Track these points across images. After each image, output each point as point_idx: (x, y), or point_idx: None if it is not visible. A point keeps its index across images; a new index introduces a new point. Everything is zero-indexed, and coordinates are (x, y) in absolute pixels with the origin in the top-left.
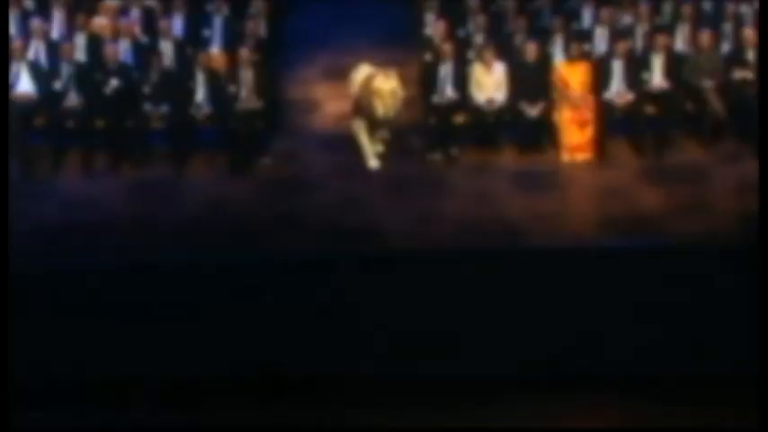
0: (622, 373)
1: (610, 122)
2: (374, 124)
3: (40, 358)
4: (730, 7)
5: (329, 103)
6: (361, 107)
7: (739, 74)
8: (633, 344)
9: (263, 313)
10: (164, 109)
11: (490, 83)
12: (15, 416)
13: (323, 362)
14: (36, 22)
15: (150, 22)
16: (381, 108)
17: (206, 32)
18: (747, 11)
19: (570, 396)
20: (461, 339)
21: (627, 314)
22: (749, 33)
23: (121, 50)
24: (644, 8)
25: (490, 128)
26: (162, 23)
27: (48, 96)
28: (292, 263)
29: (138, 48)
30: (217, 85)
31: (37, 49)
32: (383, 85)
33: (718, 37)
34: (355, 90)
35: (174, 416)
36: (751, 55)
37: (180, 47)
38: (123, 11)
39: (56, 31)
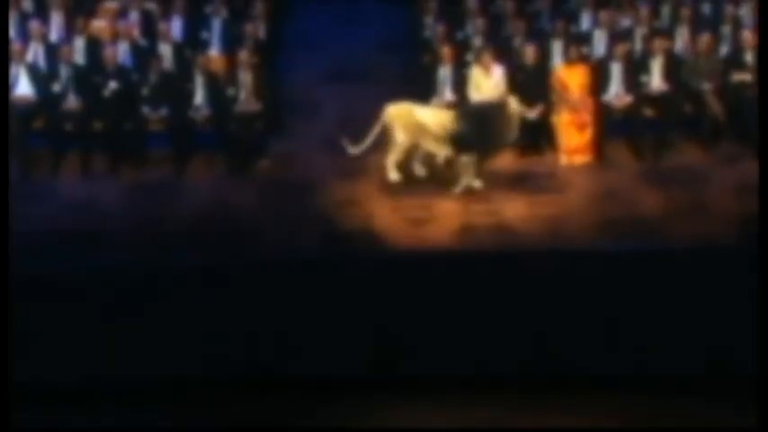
0: (622, 374)
1: (608, 125)
2: (491, 152)
3: (37, 359)
4: (729, 10)
5: (328, 105)
6: (480, 138)
7: (738, 76)
8: (633, 344)
9: (262, 314)
10: (163, 111)
11: (489, 85)
12: (15, 416)
13: (321, 362)
14: (35, 25)
15: (149, 25)
16: (512, 131)
17: (205, 35)
18: (746, 13)
19: (570, 396)
20: (461, 340)
21: (626, 315)
22: (748, 36)
23: (120, 53)
24: (643, 11)
25: None
26: (161, 26)
27: (46, 99)
28: (291, 264)
29: (136, 50)
30: (216, 87)
31: (36, 52)
32: (516, 106)
33: (716, 40)
34: (450, 124)
35: (174, 416)
36: (749, 57)
37: (179, 49)
38: (122, 13)
39: (54, 34)
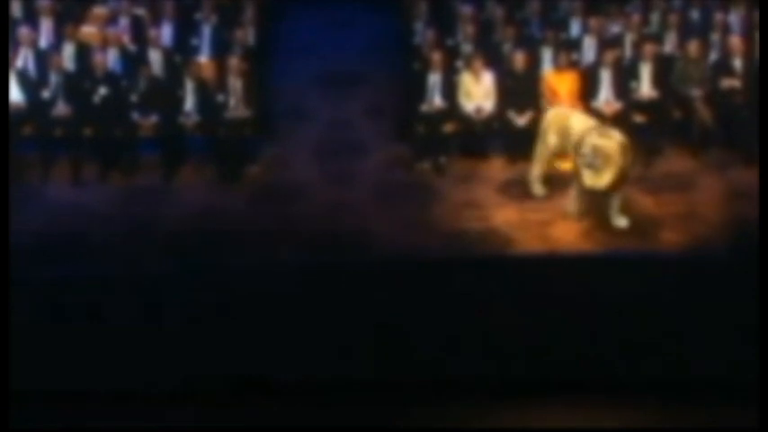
0: (621, 375)
1: None
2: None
3: (34, 362)
4: (718, 16)
5: (318, 110)
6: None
7: (726, 82)
8: (631, 346)
9: (253, 319)
10: (152, 117)
11: (479, 92)
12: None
13: (315, 366)
14: (24, 31)
15: (139, 31)
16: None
17: (194, 41)
18: (735, 20)
19: (570, 396)
20: (457, 342)
21: (621, 318)
22: (736, 42)
23: (110, 59)
24: (632, 17)
25: (478, 137)
26: (150, 32)
27: (36, 105)
28: (282, 270)
29: (126, 56)
30: (205, 93)
31: (25, 58)
32: (599, 137)
33: (706, 46)
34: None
35: (173, 417)
36: (738, 63)
37: (168, 55)
38: (112, 19)
39: (44, 40)
